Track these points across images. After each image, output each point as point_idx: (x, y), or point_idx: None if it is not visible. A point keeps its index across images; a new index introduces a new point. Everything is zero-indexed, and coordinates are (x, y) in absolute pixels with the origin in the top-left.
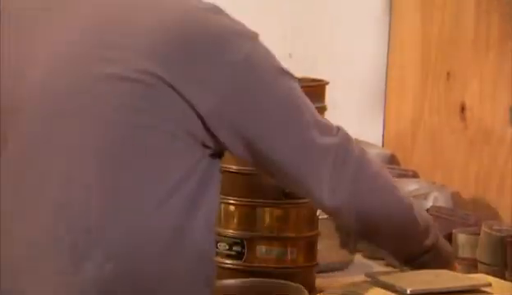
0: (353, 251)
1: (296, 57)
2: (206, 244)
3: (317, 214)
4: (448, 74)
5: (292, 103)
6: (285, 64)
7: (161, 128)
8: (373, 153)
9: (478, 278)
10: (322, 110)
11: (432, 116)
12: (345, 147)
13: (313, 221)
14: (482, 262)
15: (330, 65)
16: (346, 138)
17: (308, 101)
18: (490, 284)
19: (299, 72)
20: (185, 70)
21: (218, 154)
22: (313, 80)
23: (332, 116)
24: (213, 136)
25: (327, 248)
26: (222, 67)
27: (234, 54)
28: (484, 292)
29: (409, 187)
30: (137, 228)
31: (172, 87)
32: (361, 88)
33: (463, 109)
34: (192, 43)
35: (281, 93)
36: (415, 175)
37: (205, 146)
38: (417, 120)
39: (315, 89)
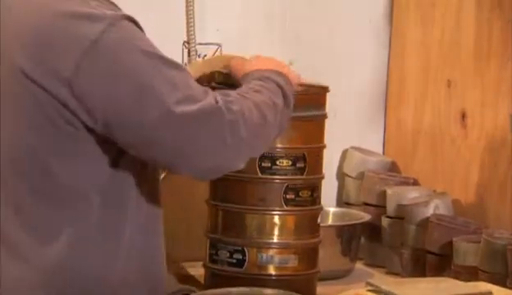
0: (354, 258)
1: (297, 65)
2: (148, 250)
3: (319, 221)
4: (449, 81)
5: (145, 82)
6: None
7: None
8: (374, 161)
9: (479, 286)
10: (322, 117)
11: (432, 124)
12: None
13: (314, 229)
14: (482, 270)
15: (330, 73)
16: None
17: (177, 80)
18: (491, 292)
19: None
20: (40, 62)
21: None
22: (313, 87)
23: (333, 124)
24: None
25: (329, 256)
26: (69, 53)
27: (80, 39)
28: None
29: (410, 194)
30: None
31: (34, 81)
32: (362, 96)
33: (463, 116)
34: (43, 37)
35: (133, 73)
36: (416, 183)
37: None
38: (417, 127)
39: (316, 97)
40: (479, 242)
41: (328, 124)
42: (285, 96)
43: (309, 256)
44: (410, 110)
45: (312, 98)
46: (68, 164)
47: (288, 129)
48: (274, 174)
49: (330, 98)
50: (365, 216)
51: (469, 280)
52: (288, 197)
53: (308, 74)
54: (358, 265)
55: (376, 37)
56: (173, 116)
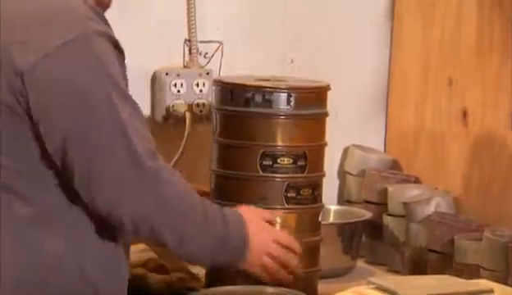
0: (355, 256)
1: (298, 63)
2: (111, 263)
3: (320, 219)
4: (450, 79)
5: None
6: (287, 70)
7: None
8: (375, 159)
9: (481, 283)
10: (324, 116)
11: (434, 122)
12: None
13: (315, 227)
14: (484, 268)
15: (331, 72)
16: None
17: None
18: (492, 290)
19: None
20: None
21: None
22: (314, 83)
23: (335, 122)
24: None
25: (330, 254)
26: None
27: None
28: None
29: (411, 192)
30: None
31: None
32: (363, 94)
33: (465, 115)
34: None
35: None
36: (417, 181)
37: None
38: (419, 125)
39: (317, 95)
40: (481, 240)
41: (329, 123)
42: (225, 240)
43: (310, 254)
44: (411, 108)
45: (313, 96)
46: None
47: (289, 127)
48: (275, 172)
49: (331, 97)
50: (366, 214)
51: (471, 278)
52: (289, 195)
53: (308, 74)
54: (360, 263)
55: (377, 36)
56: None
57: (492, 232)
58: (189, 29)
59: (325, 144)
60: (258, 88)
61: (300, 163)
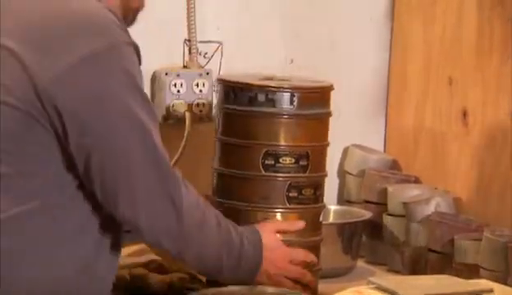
0: (355, 256)
1: (298, 63)
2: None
3: (321, 219)
4: (450, 79)
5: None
6: (287, 70)
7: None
8: (375, 159)
9: (480, 283)
10: (327, 116)
11: (434, 122)
12: None
13: (316, 226)
14: (484, 268)
15: (331, 71)
16: None
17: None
18: (492, 290)
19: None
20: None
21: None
22: (317, 83)
23: (335, 122)
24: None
25: (330, 254)
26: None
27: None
28: None
29: (411, 192)
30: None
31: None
32: (363, 94)
33: (465, 114)
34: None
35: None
36: (417, 181)
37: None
38: (419, 125)
39: (320, 95)
40: (480, 240)
41: (330, 122)
42: (237, 259)
43: (311, 253)
44: (411, 108)
45: (316, 96)
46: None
47: (292, 126)
48: (277, 171)
49: (331, 97)
50: (366, 214)
51: (470, 278)
52: (291, 195)
53: (308, 73)
54: (360, 263)
55: (377, 35)
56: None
57: (492, 232)
58: (189, 29)
59: (327, 144)
60: (261, 88)
61: (302, 163)
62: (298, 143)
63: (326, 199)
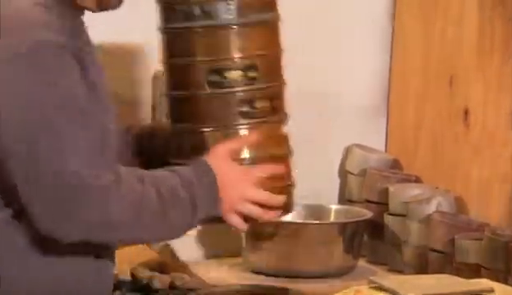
0: (356, 256)
1: (300, 65)
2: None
3: (284, 131)
4: (451, 79)
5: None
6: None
7: None
8: (376, 158)
9: (481, 283)
10: (273, 21)
11: (434, 121)
12: None
13: (279, 139)
14: (484, 267)
15: (333, 73)
16: None
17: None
18: (492, 290)
19: (302, 79)
20: None
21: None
22: None
23: (335, 121)
24: None
25: (331, 253)
26: None
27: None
28: None
29: (412, 192)
30: None
31: None
32: (364, 94)
33: (466, 114)
34: None
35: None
36: (418, 180)
37: None
38: (419, 124)
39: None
40: (481, 239)
41: (330, 122)
42: (194, 213)
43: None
44: (412, 107)
45: (256, 2)
46: None
47: (233, 37)
48: (224, 87)
49: (333, 98)
50: (367, 214)
51: (471, 277)
52: (242, 110)
53: (310, 72)
54: (361, 263)
55: (378, 36)
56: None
57: (493, 231)
58: None
59: (279, 51)
60: (195, 1)
61: (251, 74)
62: (242, 55)
63: (327, 199)
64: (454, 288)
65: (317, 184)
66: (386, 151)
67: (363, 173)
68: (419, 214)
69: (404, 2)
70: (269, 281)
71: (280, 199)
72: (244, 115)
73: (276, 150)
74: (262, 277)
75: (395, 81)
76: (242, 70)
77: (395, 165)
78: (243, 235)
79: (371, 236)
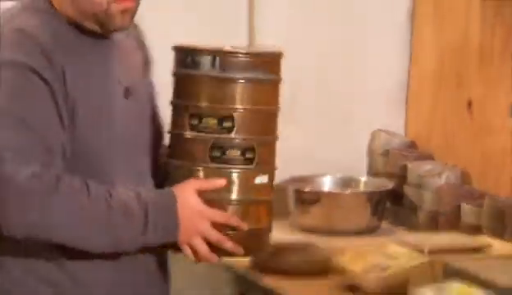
0: (380, 218)
1: (325, 65)
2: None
3: (256, 182)
4: (458, 76)
5: None
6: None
7: None
8: (397, 141)
9: (481, 239)
10: (261, 81)
11: (444, 111)
12: None
13: (246, 188)
14: (485, 227)
15: (360, 70)
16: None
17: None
18: (491, 245)
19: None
20: None
21: None
22: (260, 50)
23: (363, 111)
24: None
25: (361, 216)
26: None
27: None
28: (485, 251)
29: (426, 167)
30: None
31: None
32: (388, 88)
33: (469, 105)
34: None
35: None
36: (431, 158)
37: None
38: (433, 113)
39: (250, 60)
40: (482, 205)
41: (359, 109)
42: (145, 230)
43: (248, 213)
44: (426, 100)
45: (242, 61)
46: None
47: (213, 88)
48: (200, 131)
49: (361, 91)
50: (390, 184)
51: (474, 235)
52: (213, 154)
53: (334, 71)
54: (384, 224)
55: (398, 38)
56: None
57: (492, 198)
58: (250, 35)
59: (261, 110)
60: (188, 51)
61: (227, 124)
62: (221, 105)
63: (358, 172)
64: (457, 243)
65: (350, 161)
66: (405, 134)
67: (386, 152)
68: (432, 185)
69: (421, 14)
70: (313, 238)
71: (228, 246)
72: (214, 159)
73: (241, 197)
74: (308, 235)
75: (413, 80)
76: (218, 118)
77: (413, 145)
78: (291, 201)
79: (392, 202)
